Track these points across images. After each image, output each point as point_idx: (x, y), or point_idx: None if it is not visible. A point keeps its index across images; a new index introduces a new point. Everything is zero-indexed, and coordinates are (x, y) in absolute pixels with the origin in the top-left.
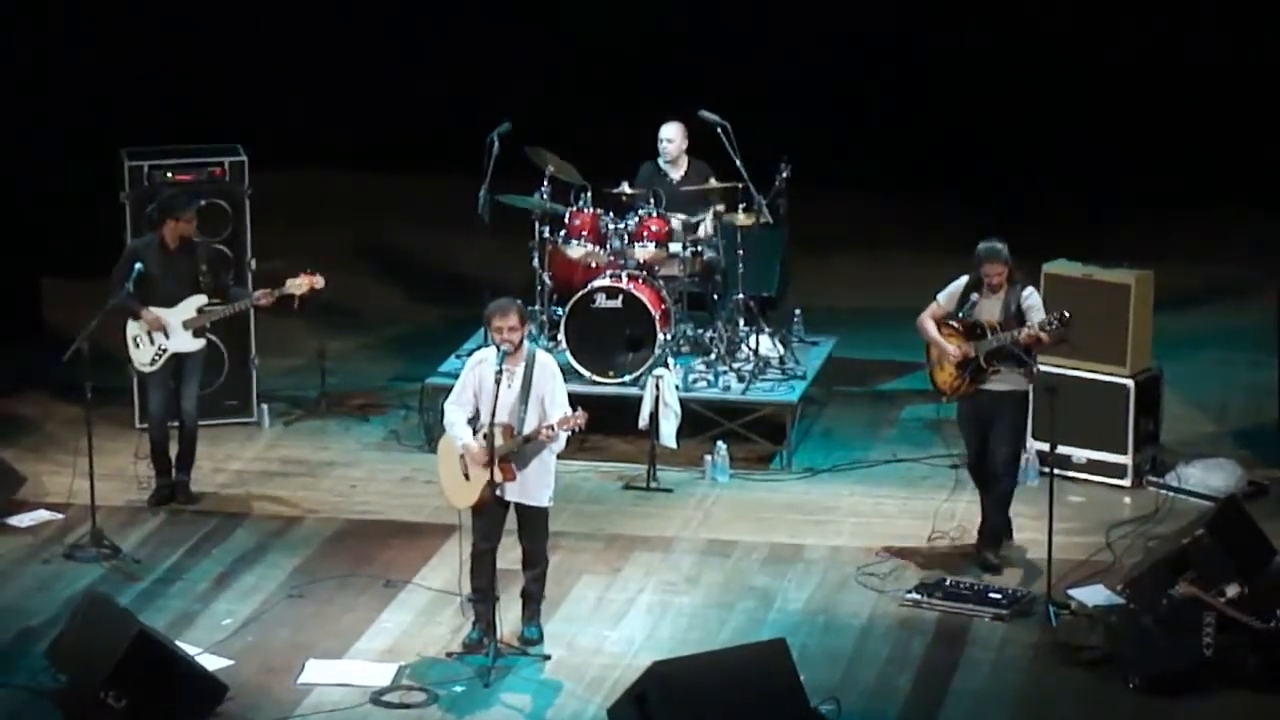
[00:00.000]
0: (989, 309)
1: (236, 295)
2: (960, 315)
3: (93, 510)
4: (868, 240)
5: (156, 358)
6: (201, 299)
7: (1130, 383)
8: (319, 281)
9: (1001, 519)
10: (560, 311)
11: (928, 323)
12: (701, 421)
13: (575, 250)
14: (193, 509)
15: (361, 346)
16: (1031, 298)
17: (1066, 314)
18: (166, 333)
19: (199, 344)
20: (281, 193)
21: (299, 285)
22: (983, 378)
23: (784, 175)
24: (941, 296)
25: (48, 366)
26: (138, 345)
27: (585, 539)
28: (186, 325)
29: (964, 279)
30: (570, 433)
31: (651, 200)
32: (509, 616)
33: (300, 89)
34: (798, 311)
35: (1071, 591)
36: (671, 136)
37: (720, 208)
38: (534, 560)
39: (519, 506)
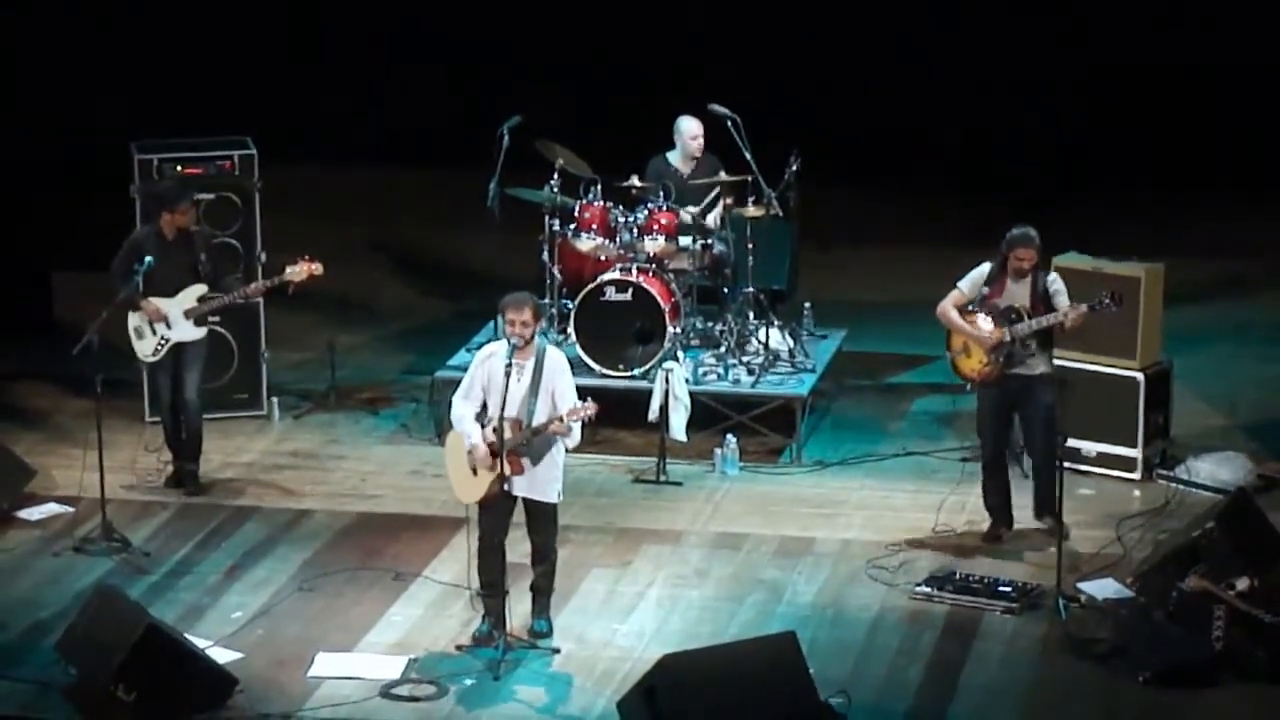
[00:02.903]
0: (1017, 294)
1: (236, 284)
2: (988, 304)
3: (103, 503)
4: (877, 233)
5: (159, 348)
6: (201, 288)
7: (1140, 376)
8: (317, 268)
9: (1052, 495)
10: (570, 305)
11: (951, 310)
12: (711, 415)
13: (585, 243)
14: (202, 501)
15: (371, 340)
16: (1057, 283)
17: (1118, 294)
18: (168, 323)
19: (200, 333)
20: (292, 187)
21: (298, 273)
22: (1016, 362)
23: (794, 168)
24: (964, 283)
25: (58, 360)
26: (140, 336)
27: (595, 532)
28: (188, 315)
29: (986, 266)
30: (582, 424)
31: (661, 194)
32: (519, 610)
33: (311, 83)
34: (807, 305)
35: (1081, 585)
36: (697, 134)
37: (730, 201)
38: (543, 555)
39: (527, 501)
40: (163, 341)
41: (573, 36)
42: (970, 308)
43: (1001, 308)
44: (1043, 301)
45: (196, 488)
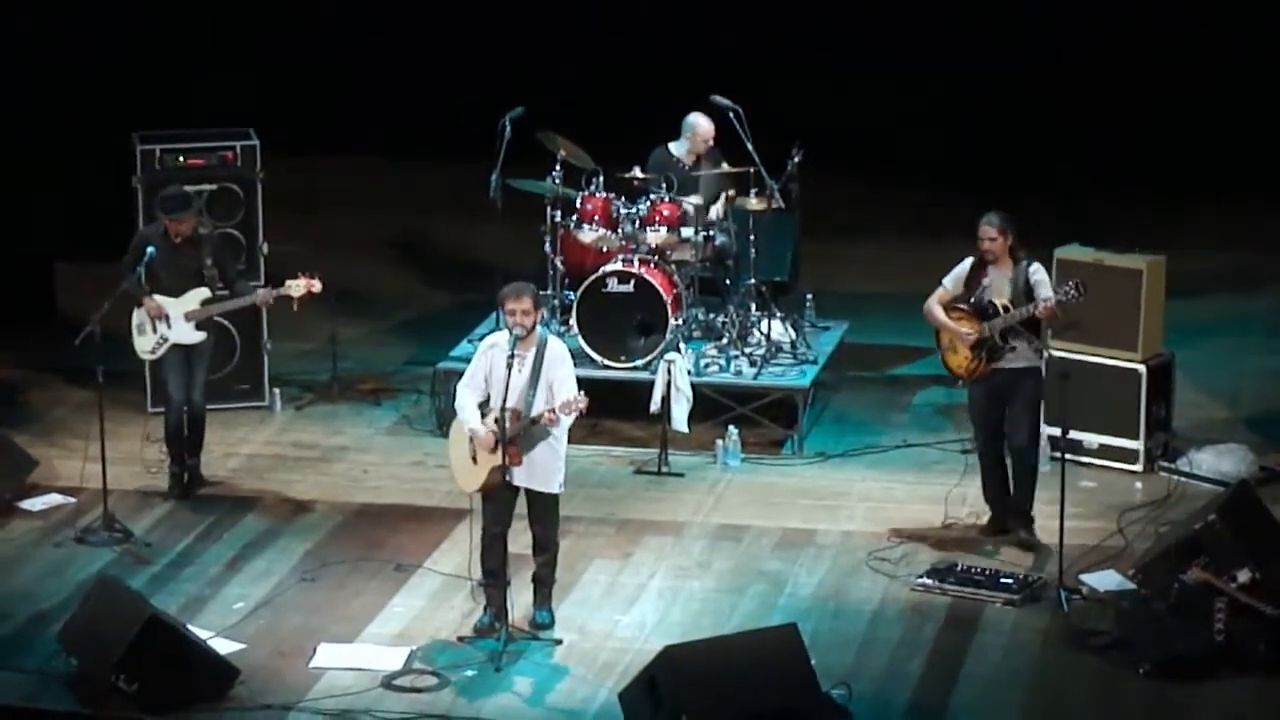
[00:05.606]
0: (998, 288)
1: (241, 290)
2: (971, 300)
3: (104, 494)
4: (880, 225)
5: (157, 346)
6: (204, 292)
7: (1142, 368)
8: (316, 286)
9: (1028, 496)
10: (572, 296)
11: (936, 308)
12: (713, 406)
13: (587, 235)
14: (203, 493)
15: (373, 331)
16: (1039, 273)
17: (1082, 283)
18: (168, 322)
19: (200, 336)
20: (295, 178)
21: (297, 288)
22: (998, 356)
23: (796, 160)
24: (947, 281)
25: (60, 351)
26: (141, 333)
27: (597, 524)
28: (188, 317)
29: (968, 261)
30: (573, 416)
31: (663, 185)
32: (520, 601)
33: (314, 74)
34: (809, 296)
35: (1083, 577)
36: (709, 136)
37: (732, 192)
38: (544, 545)
39: (529, 492)
40: (161, 340)
41: (575, 27)
42: (959, 303)
43: (983, 303)
44: (1024, 293)
45: (199, 481)
